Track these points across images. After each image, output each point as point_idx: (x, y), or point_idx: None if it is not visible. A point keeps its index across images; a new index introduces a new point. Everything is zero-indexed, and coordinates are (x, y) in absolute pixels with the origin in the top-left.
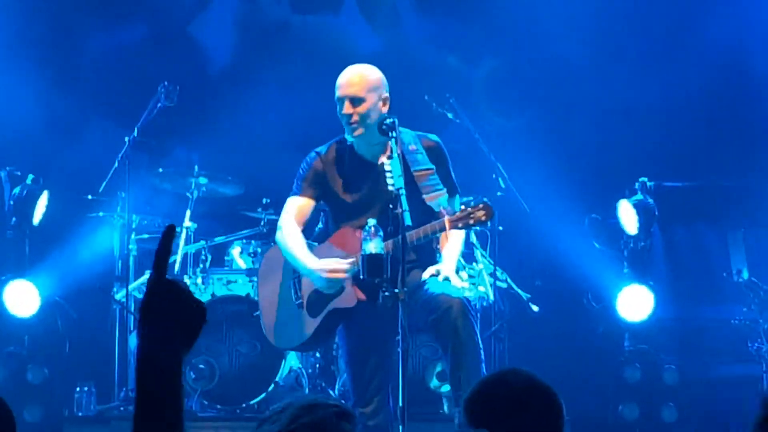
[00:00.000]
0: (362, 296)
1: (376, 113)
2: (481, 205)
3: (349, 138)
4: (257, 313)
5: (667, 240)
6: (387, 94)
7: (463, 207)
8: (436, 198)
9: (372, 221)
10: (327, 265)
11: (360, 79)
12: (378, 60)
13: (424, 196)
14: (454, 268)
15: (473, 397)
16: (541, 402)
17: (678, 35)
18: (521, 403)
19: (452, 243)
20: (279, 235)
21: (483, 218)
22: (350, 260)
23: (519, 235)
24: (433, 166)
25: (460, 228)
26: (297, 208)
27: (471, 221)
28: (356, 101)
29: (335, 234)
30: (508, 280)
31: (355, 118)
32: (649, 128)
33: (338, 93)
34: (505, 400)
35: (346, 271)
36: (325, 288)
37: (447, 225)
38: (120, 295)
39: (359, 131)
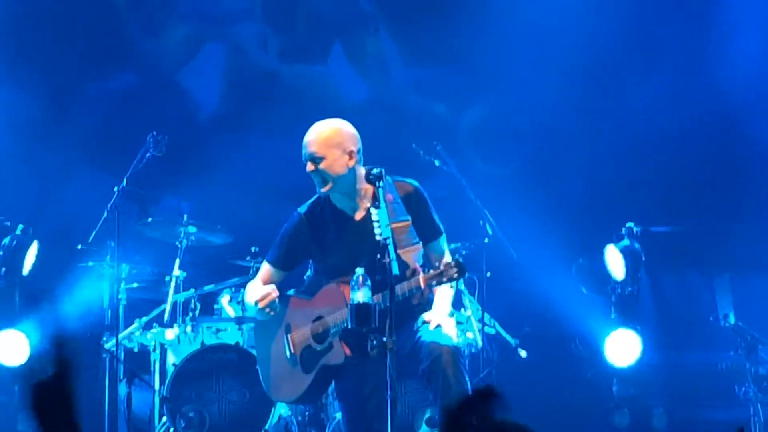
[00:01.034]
0: (349, 352)
1: (342, 168)
2: (453, 263)
3: (320, 197)
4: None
5: (654, 285)
6: (354, 147)
7: (437, 266)
8: (412, 253)
9: (360, 270)
10: (255, 296)
11: (318, 137)
12: (365, 108)
13: (399, 251)
14: (445, 315)
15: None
16: None
17: (661, 82)
18: None
19: (442, 290)
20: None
21: (455, 276)
22: (271, 287)
23: (507, 280)
24: (409, 218)
25: (435, 285)
26: (267, 274)
27: (444, 279)
28: (317, 160)
29: (320, 292)
30: (497, 325)
31: (319, 176)
32: (636, 173)
33: (303, 152)
34: None
35: (267, 297)
36: (261, 317)
37: (422, 283)
38: (110, 345)
39: (326, 188)
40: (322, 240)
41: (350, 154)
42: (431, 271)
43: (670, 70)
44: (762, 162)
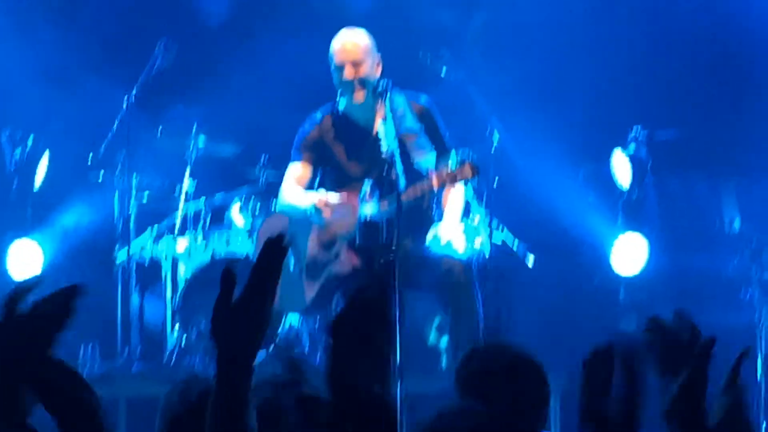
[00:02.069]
0: (357, 262)
1: (374, 76)
2: (468, 162)
3: (342, 104)
4: None
5: (660, 191)
6: (380, 57)
7: (449, 166)
8: (423, 159)
9: (367, 183)
10: (311, 199)
11: (359, 42)
12: (371, 17)
13: (412, 158)
14: (455, 226)
15: (462, 370)
16: (528, 376)
17: None
18: (508, 378)
19: (452, 202)
20: (279, 200)
21: (470, 175)
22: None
23: (514, 188)
24: (419, 127)
25: (448, 184)
26: (298, 174)
27: (459, 177)
28: (357, 64)
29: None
30: (506, 231)
31: (359, 82)
32: (643, 77)
33: (337, 58)
34: (493, 375)
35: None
36: (317, 220)
37: (435, 183)
38: (121, 256)
39: (361, 94)
40: (339, 147)
41: (379, 62)
42: (444, 171)
43: None
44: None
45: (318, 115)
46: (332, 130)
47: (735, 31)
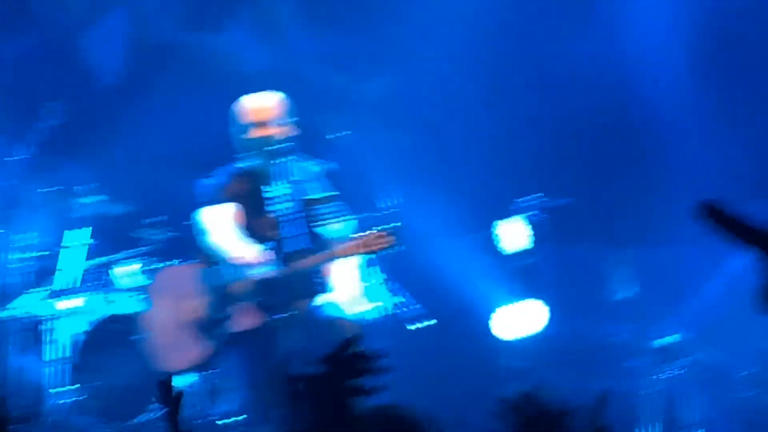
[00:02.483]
0: (255, 321)
1: (279, 139)
2: (386, 233)
3: (245, 164)
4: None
5: (556, 257)
6: (291, 122)
7: (371, 232)
8: (327, 225)
9: (264, 246)
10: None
11: (274, 104)
12: (266, 77)
13: (314, 224)
14: (349, 292)
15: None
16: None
17: (562, 62)
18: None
19: (344, 266)
20: (213, 241)
21: (387, 245)
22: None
23: (412, 252)
24: (326, 195)
25: (364, 254)
26: (232, 213)
27: (377, 247)
28: (264, 125)
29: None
30: (401, 295)
31: (270, 141)
32: (541, 145)
33: (251, 117)
34: None
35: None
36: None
37: (355, 249)
38: (4, 314)
39: (264, 155)
40: (244, 206)
41: (290, 126)
42: (365, 239)
43: (569, 51)
44: (664, 140)
45: (230, 171)
46: (238, 187)
47: (629, 98)
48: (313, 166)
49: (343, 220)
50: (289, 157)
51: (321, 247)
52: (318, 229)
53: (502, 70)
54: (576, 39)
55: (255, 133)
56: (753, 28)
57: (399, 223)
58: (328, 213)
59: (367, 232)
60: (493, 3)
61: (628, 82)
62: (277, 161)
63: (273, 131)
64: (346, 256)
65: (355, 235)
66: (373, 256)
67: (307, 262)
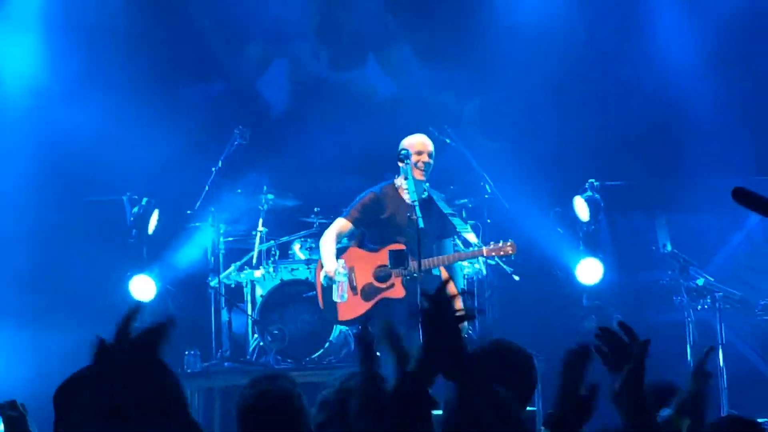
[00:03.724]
0: (403, 294)
1: (430, 168)
2: (511, 242)
3: (398, 182)
4: (312, 293)
5: (610, 225)
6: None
7: (496, 244)
8: (462, 232)
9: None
10: (330, 269)
11: (430, 144)
12: (393, 101)
13: (460, 230)
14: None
15: (470, 358)
16: (520, 363)
17: (614, 80)
18: (507, 364)
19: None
20: (322, 239)
21: (511, 253)
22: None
23: (502, 225)
24: (451, 211)
25: (492, 257)
26: (340, 227)
27: (503, 253)
28: (431, 155)
29: (384, 248)
30: (496, 258)
31: (428, 167)
32: (596, 142)
33: (420, 148)
34: (497, 362)
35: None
36: (325, 281)
37: (485, 253)
38: (214, 282)
39: (425, 176)
40: (388, 217)
41: (433, 161)
42: (493, 245)
43: (621, 70)
44: (690, 133)
45: (377, 188)
46: (386, 199)
47: (668, 108)
48: (438, 193)
49: (464, 229)
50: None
51: (448, 249)
52: (445, 239)
53: (567, 88)
54: (622, 70)
55: (425, 158)
56: None
57: (470, 205)
58: (455, 223)
59: (495, 244)
60: (558, 42)
61: (661, 94)
62: (424, 182)
63: (427, 160)
64: (473, 258)
65: (483, 246)
66: (495, 259)
67: (442, 260)
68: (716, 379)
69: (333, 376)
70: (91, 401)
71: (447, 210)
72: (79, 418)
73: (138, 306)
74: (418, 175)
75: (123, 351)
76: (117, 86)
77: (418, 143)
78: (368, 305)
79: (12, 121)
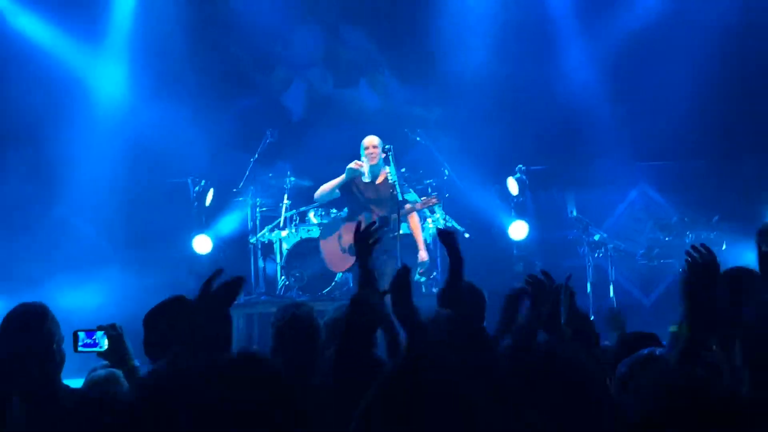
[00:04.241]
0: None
1: (377, 156)
2: (435, 195)
3: (362, 170)
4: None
5: (533, 197)
6: (382, 147)
7: (427, 198)
8: (405, 193)
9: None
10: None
11: (377, 139)
12: (379, 113)
13: (406, 196)
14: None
15: (442, 295)
16: (475, 295)
17: (538, 85)
18: (469, 295)
19: (417, 221)
20: (317, 193)
21: (436, 203)
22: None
23: (456, 197)
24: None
25: (425, 207)
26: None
27: (431, 203)
28: (376, 146)
29: (357, 221)
30: (452, 221)
31: (371, 155)
32: (523, 138)
33: (366, 144)
34: (459, 294)
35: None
36: (350, 173)
37: (420, 205)
38: (252, 240)
39: (375, 161)
40: (357, 189)
41: (382, 150)
42: (424, 199)
43: (541, 87)
44: (589, 132)
45: (354, 172)
46: (356, 180)
47: (568, 108)
48: (399, 169)
49: (412, 193)
50: (390, 154)
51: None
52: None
53: (502, 100)
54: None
55: (365, 152)
56: None
57: (431, 180)
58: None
59: (426, 198)
60: (493, 69)
61: (568, 103)
62: (375, 165)
63: (371, 151)
64: (417, 209)
65: (418, 200)
66: (430, 208)
67: (404, 210)
68: (611, 303)
69: (333, 305)
70: (171, 326)
71: (397, 187)
72: (159, 337)
73: (219, 270)
74: (371, 161)
75: (207, 299)
76: (181, 99)
77: (365, 141)
78: (353, 259)
79: (109, 124)
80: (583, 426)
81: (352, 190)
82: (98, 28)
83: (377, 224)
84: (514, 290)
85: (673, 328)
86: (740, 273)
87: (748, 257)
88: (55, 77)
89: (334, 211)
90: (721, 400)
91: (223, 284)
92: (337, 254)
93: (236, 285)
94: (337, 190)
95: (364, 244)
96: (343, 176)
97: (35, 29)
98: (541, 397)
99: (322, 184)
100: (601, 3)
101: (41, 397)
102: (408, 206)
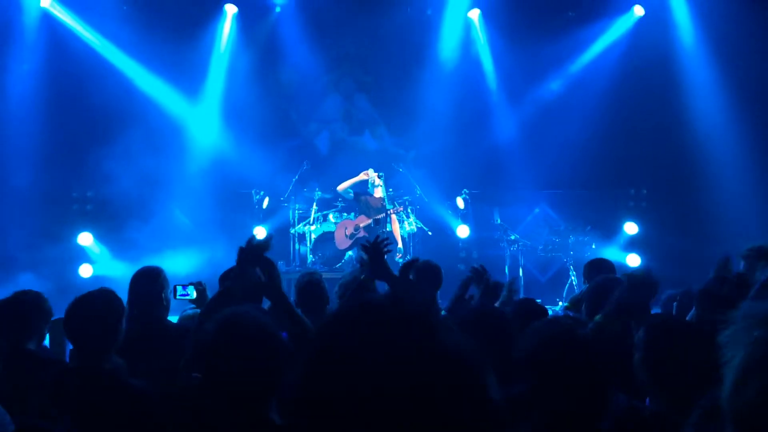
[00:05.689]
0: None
1: (375, 180)
2: (400, 206)
3: (368, 179)
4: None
5: (473, 210)
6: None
7: (396, 207)
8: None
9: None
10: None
11: (373, 173)
12: (376, 153)
13: (390, 208)
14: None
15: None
16: (436, 275)
17: (477, 133)
18: (426, 273)
19: (396, 224)
20: (340, 187)
21: (400, 210)
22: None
23: (423, 209)
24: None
25: (399, 213)
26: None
27: (397, 211)
28: (373, 173)
29: (357, 219)
30: (421, 224)
31: (372, 184)
32: (467, 170)
33: (369, 174)
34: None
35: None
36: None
37: (391, 212)
38: (292, 231)
39: (380, 180)
40: (363, 199)
41: (377, 178)
42: (394, 208)
43: (478, 135)
44: (509, 168)
45: (358, 188)
46: (362, 195)
47: (494, 150)
48: (387, 189)
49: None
50: (382, 184)
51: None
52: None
53: (452, 145)
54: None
55: (369, 177)
56: None
57: (407, 197)
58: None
59: (395, 207)
60: (449, 125)
61: (492, 147)
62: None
63: (374, 176)
64: (391, 214)
65: (391, 208)
66: (401, 213)
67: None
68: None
69: (345, 272)
70: (225, 277)
71: (386, 199)
72: (230, 293)
73: (271, 235)
74: (375, 181)
75: (251, 252)
76: (250, 138)
77: (368, 171)
78: (351, 241)
79: (202, 153)
80: (499, 350)
81: (360, 199)
82: (197, 86)
83: (385, 240)
84: (465, 279)
85: (567, 305)
86: (600, 262)
87: (608, 254)
88: (166, 124)
89: (345, 214)
90: (577, 338)
91: (258, 242)
92: (343, 239)
93: (268, 240)
94: (350, 190)
95: (378, 253)
96: (355, 178)
97: (150, 84)
98: (471, 334)
99: (339, 195)
100: (521, 82)
101: (154, 327)
102: (391, 210)
